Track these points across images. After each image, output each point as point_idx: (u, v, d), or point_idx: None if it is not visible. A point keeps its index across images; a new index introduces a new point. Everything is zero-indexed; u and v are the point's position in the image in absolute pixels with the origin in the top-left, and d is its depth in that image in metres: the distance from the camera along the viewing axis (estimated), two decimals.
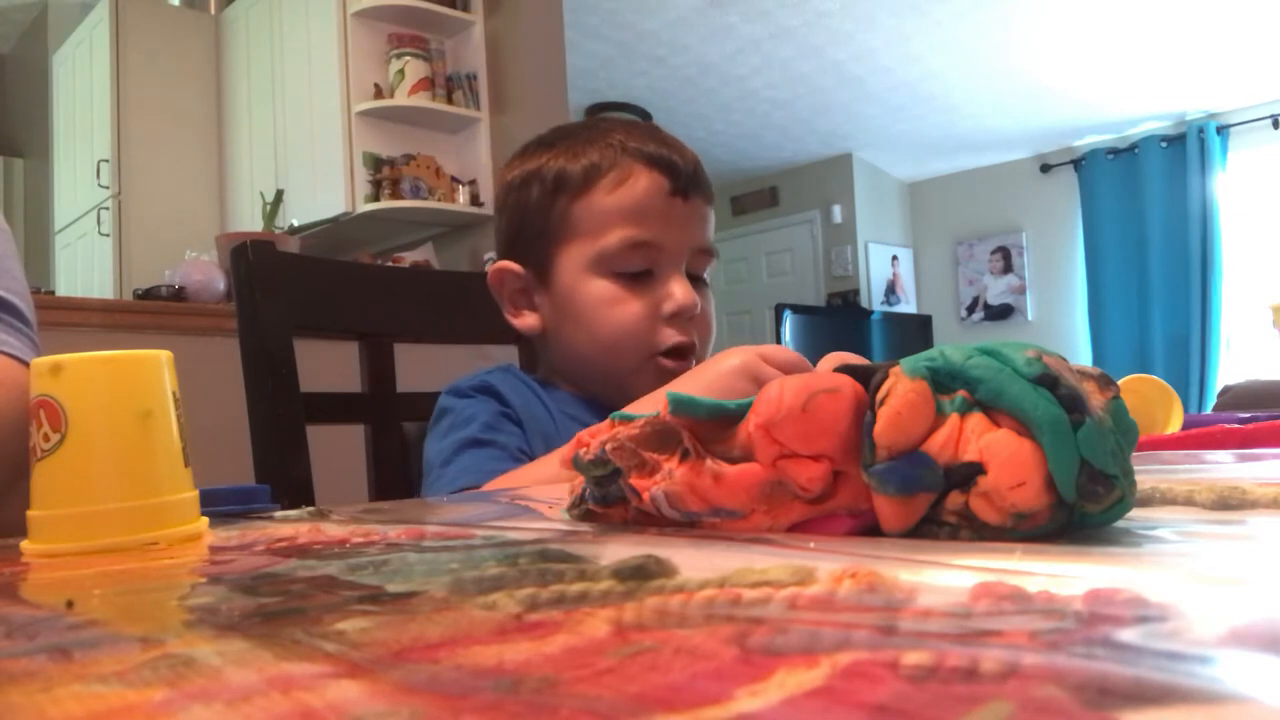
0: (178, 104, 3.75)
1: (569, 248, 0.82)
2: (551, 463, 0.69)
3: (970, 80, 4.93)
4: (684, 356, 0.82)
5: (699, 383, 0.69)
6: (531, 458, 0.77)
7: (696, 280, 0.84)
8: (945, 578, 0.23)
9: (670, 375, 0.79)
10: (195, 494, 0.44)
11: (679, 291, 0.80)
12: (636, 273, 0.81)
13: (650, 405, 0.67)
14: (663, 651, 0.17)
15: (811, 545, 0.28)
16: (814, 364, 0.69)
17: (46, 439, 0.41)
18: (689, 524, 0.33)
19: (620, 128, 0.85)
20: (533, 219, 0.84)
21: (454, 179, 3.19)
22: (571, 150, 0.83)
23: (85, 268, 3.87)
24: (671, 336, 0.81)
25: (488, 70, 3.16)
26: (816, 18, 4.27)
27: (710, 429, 0.33)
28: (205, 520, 0.44)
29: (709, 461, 0.32)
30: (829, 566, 0.24)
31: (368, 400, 0.97)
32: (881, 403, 0.29)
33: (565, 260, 0.82)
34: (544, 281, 0.85)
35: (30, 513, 0.41)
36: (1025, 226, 6.07)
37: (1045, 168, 5.99)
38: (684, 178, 0.82)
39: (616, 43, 4.46)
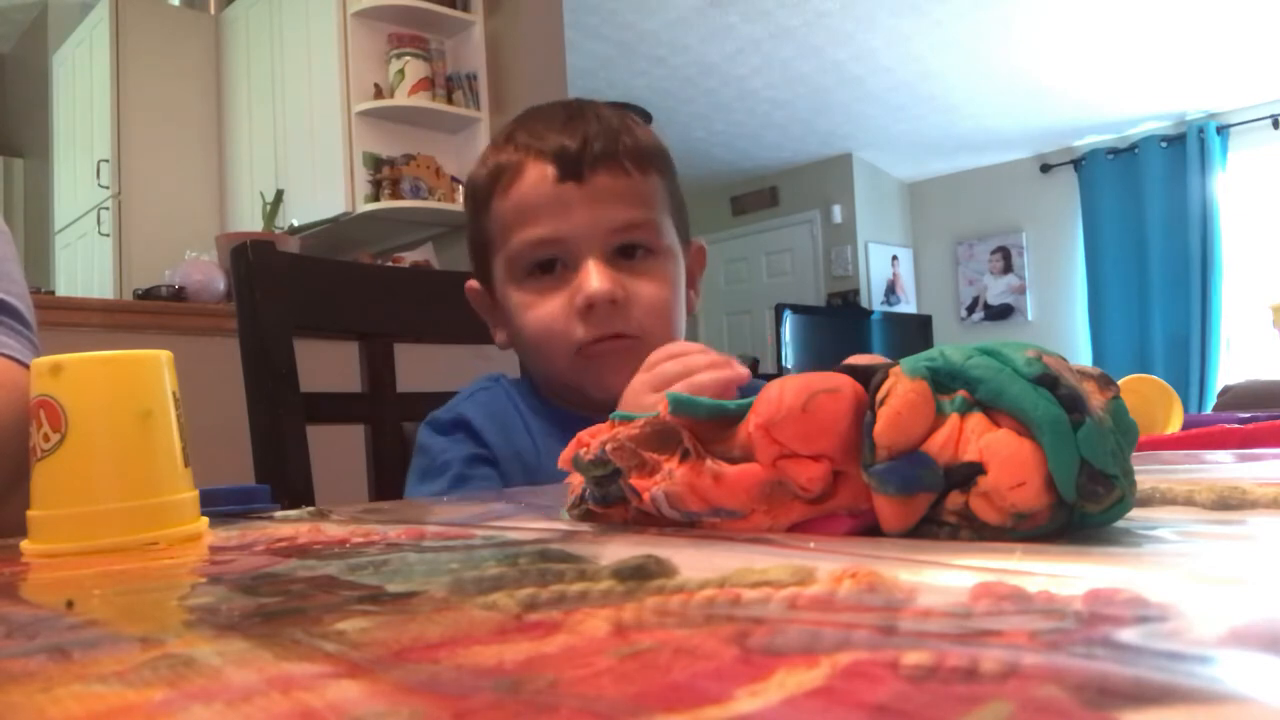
0: (178, 104, 3.75)
1: (494, 261, 0.80)
2: None
3: (970, 80, 4.93)
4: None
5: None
6: None
7: (638, 252, 0.77)
8: (945, 578, 0.23)
9: (603, 355, 0.75)
10: (195, 494, 0.44)
11: (592, 281, 0.74)
12: (552, 272, 0.76)
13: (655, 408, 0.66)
14: (663, 651, 0.17)
15: (811, 545, 0.28)
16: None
17: (46, 439, 0.41)
18: (689, 524, 0.33)
19: (531, 119, 0.80)
20: (471, 235, 0.84)
21: (454, 179, 3.19)
22: (485, 155, 0.81)
23: (85, 268, 3.86)
24: (589, 331, 0.75)
25: (488, 70, 3.15)
26: (816, 18, 4.26)
27: (710, 429, 0.33)
28: (205, 520, 0.44)
29: (709, 461, 0.32)
30: (829, 566, 0.24)
31: (368, 400, 0.97)
32: (881, 403, 0.30)
33: (496, 274, 0.81)
34: (494, 296, 0.83)
35: (30, 513, 0.41)
36: (1025, 226, 6.07)
37: (1045, 168, 5.99)
38: (570, 160, 0.75)
39: (616, 43, 4.46)
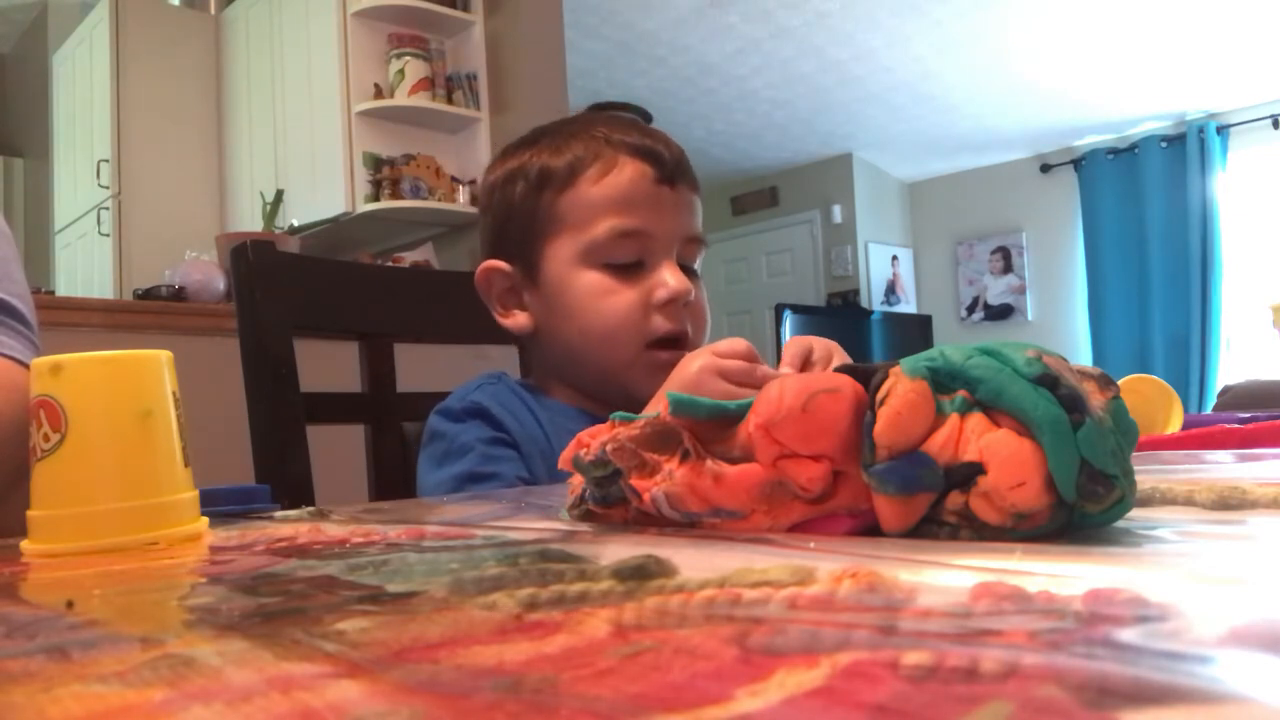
0: (178, 104, 3.75)
1: (556, 242, 0.81)
2: None
3: (970, 80, 4.93)
4: (678, 347, 0.80)
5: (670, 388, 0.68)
6: (533, 481, 0.76)
7: (688, 270, 0.83)
8: (945, 578, 0.23)
9: (665, 367, 0.77)
10: (195, 494, 0.44)
11: (671, 279, 0.79)
12: (627, 264, 0.80)
13: (655, 408, 0.66)
14: (663, 651, 0.17)
15: (811, 545, 0.28)
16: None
17: (46, 439, 0.41)
18: (689, 524, 0.33)
19: (603, 121, 0.84)
20: (518, 216, 0.83)
21: (454, 179, 3.19)
22: (554, 146, 0.82)
23: (85, 268, 3.86)
24: (664, 325, 0.79)
25: (488, 70, 3.15)
26: (817, 18, 4.26)
27: (710, 429, 0.33)
28: (205, 520, 0.44)
29: (709, 462, 0.32)
30: (829, 566, 0.24)
31: (368, 400, 0.97)
32: (881, 403, 0.30)
33: (553, 255, 0.81)
34: (532, 278, 0.83)
35: (30, 513, 0.41)
36: (1025, 226, 6.07)
37: (1045, 168, 5.98)
38: (669, 166, 0.81)
39: (616, 43, 4.46)
